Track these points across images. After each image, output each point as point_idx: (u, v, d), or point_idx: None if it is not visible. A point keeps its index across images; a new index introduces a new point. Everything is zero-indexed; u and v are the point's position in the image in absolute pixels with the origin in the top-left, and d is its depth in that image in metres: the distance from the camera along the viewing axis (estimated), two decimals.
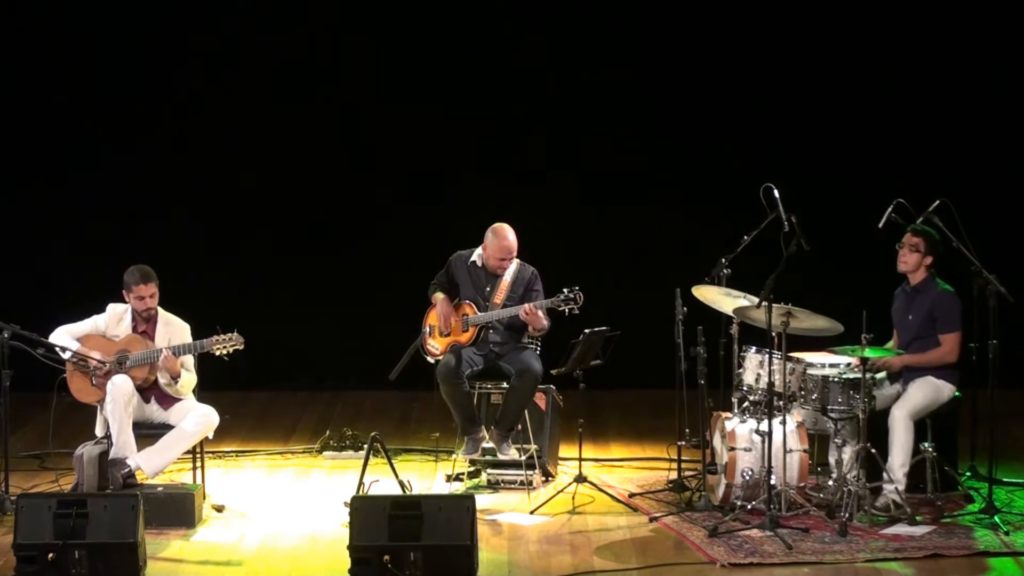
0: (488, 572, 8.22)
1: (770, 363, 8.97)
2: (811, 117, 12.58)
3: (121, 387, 9.12)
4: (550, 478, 10.00)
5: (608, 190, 12.75)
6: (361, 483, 9.23)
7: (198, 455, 9.42)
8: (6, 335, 9.10)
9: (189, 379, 9.41)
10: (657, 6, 12.66)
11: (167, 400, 9.37)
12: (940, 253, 9.31)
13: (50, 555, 7.84)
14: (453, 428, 9.87)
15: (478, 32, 12.67)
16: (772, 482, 8.89)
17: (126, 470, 9.07)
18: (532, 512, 9.29)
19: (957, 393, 9.41)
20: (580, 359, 9.45)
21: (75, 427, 10.02)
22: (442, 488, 9.84)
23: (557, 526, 9.09)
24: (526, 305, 9.59)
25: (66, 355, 9.30)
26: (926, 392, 9.25)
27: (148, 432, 9.27)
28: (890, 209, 9.23)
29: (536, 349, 9.88)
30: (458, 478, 9.92)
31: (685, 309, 9.47)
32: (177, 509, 9.00)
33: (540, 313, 9.58)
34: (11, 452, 9.50)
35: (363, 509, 7.95)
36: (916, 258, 9.35)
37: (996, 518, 8.96)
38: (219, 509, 9.33)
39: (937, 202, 9.21)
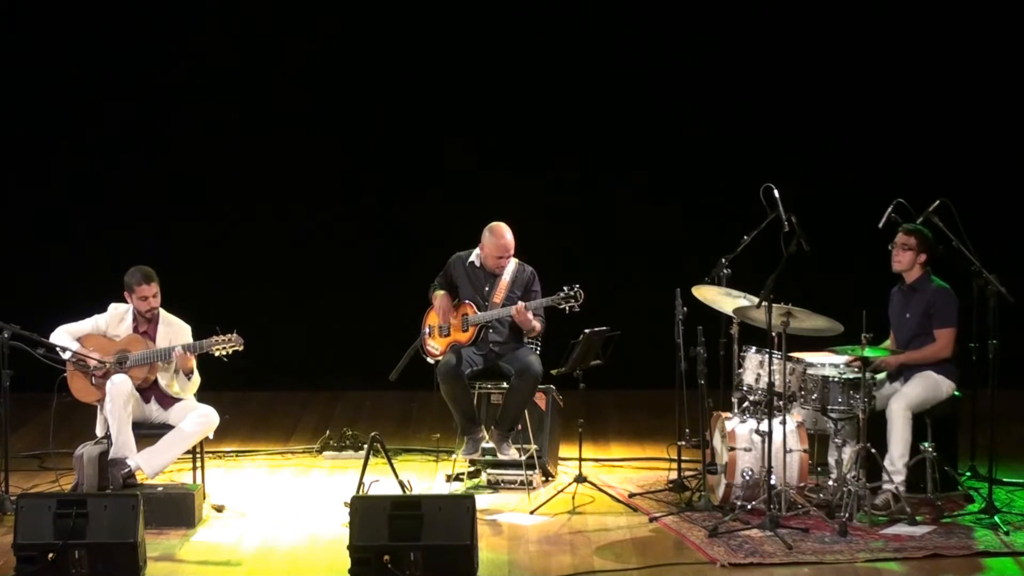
0: (488, 572, 8.22)
1: (770, 363, 8.97)
2: (811, 117, 12.58)
3: (120, 387, 9.13)
4: (550, 478, 10.00)
5: (609, 190, 12.75)
6: (361, 483, 9.23)
7: (198, 455, 9.42)
8: (6, 335, 9.10)
9: (194, 380, 9.42)
10: (659, 6, 12.67)
11: (167, 400, 9.38)
12: (934, 250, 9.32)
13: (50, 555, 7.84)
14: (453, 428, 9.87)
15: (479, 30, 12.67)
16: (772, 482, 8.89)
17: (126, 470, 9.08)
18: (532, 512, 9.29)
19: (957, 392, 9.42)
20: (580, 359, 9.45)
21: (75, 427, 10.02)
22: (442, 488, 9.85)
23: (557, 526, 9.09)
24: (519, 304, 9.59)
25: (66, 355, 9.30)
26: (926, 386, 9.27)
27: (148, 432, 9.28)
28: (890, 209, 9.24)
29: (536, 349, 9.89)
30: (458, 478, 9.93)
31: (685, 309, 9.47)
32: (177, 509, 9.00)
33: (530, 315, 9.58)
34: (11, 452, 9.50)
35: (363, 509, 7.95)
36: (910, 256, 9.36)
37: (996, 518, 8.96)
38: (219, 509, 9.33)
39: (937, 202, 9.21)
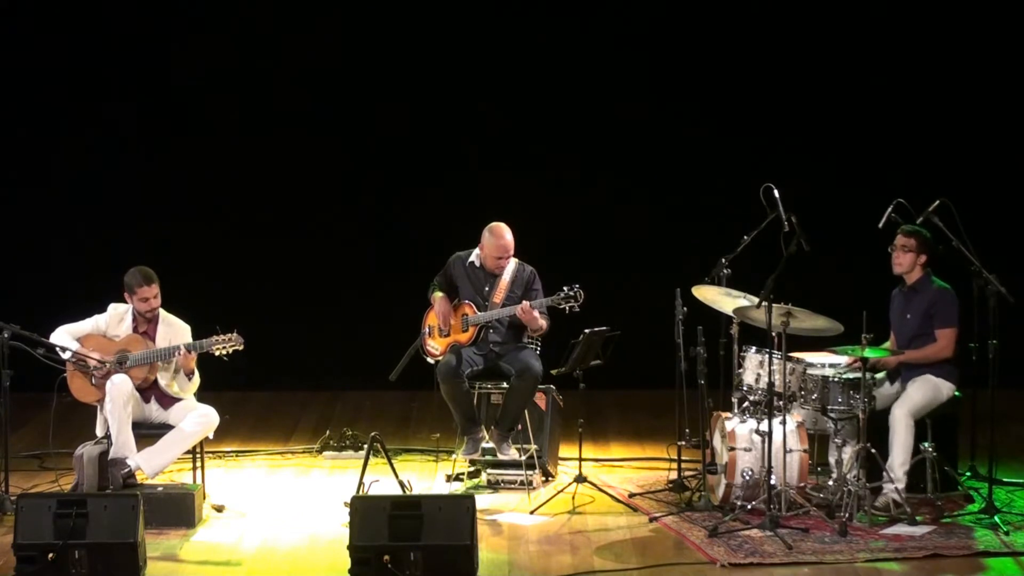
0: (488, 572, 8.22)
1: (770, 363, 8.97)
2: (811, 117, 12.59)
3: (120, 387, 9.13)
4: (550, 478, 10.00)
5: (609, 190, 12.76)
6: (361, 483, 9.23)
7: (198, 455, 9.42)
8: (6, 335, 9.10)
9: (194, 380, 9.42)
10: (660, 6, 12.66)
11: (167, 400, 9.38)
12: (934, 251, 9.32)
13: (50, 555, 7.84)
14: (453, 428, 9.87)
15: (479, 30, 12.67)
16: (772, 482, 8.89)
17: (126, 470, 9.08)
18: (532, 512, 9.29)
19: (957, 393, 9.42)
20: (580, 359, 9.45)
21: (75, 427, 10.02)
22: (442, 488, 9.85)
23: (557, 526, 9.09)
24: (523, 303, 9.60)
25: (66, 355, 9.30)
26: (926, 391, 9.26)
27: (148, 432, 9.28)
28: (890, 209, 9.24)
29: (536, 349, 9.89)
30: (458, 478, 9.93)
31: (685, 309, 9.47)
32: (177, 509, 9.00)
33: (536, 313, 9.58)
34: (11, 452, 9.50)
35: (363, 509, 7.95)
36: (910, 258, 9.36)
37: (996, 518, 8.96)
38: (219, 509, 9.33)
39: (937, 202, 9.21)
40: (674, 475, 9.80)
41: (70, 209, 12.73)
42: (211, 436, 9.40)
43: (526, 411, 9.72)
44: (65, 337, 9.35)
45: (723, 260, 9.63)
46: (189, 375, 9.36)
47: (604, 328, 9.45)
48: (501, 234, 9.74)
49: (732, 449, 9.14)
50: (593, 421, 10.94)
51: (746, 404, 9.31)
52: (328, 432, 10.96)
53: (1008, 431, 10.47)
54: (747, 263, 9.61)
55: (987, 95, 12.54)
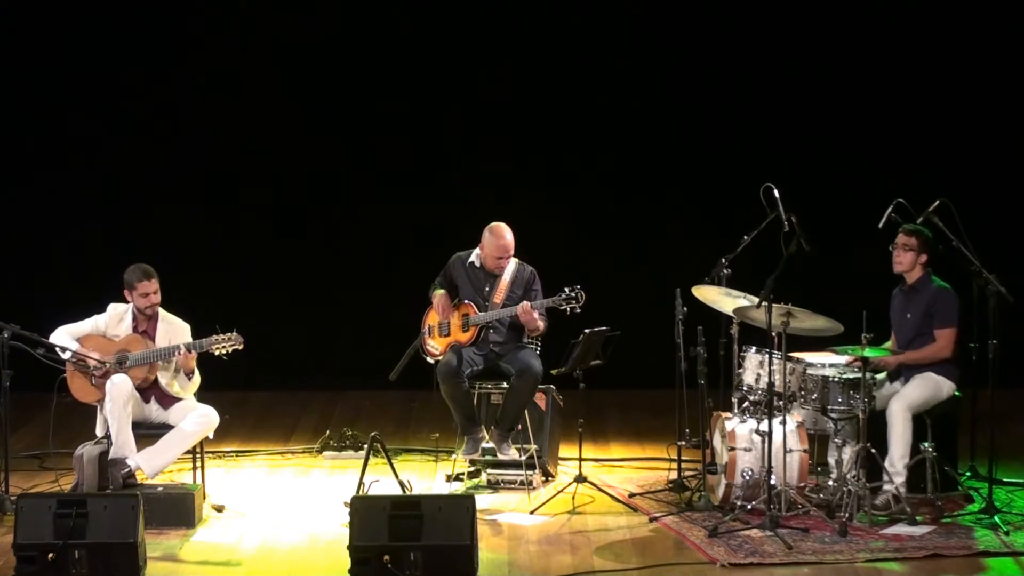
0: (488, 572, 8.22)
1: (770, 363, 8.97)
2: (811, 117, 12.58)
3: (120, 387, 9.12)
4: (550, 478, 10.00)
5: (609, 190, 12.76)
6: (361, 483, 9.24)
7: (198, 455, 9.42)
8: (6, 335, 9.10)
9: (194, 379, 9.42)
10: (661, 6, 12.66)
11: (167, 400, 9.38)
12: (935, 250, 9.32)
13: (50, 555, 7.84)
14: (453, 428, 9.87)
15: (479, 30, 12.67)
16: (772, 482, 8.89)
17: (126, 470, 9.08)
18: (532, 512, 9.29)
19: (957, 392, 9.42)
20: (580, 359, 9.45)
21: (75, 427, 10.01)
22: (442, 488, 9.85)
23: (557, 526, 9.09)
24: (524, 304, 9.60)
25: (66, 355, 9.30)
26: (926, 387, 9.27)
27: (148, 432, 9.28)
28: (890, 209, 9.24)
29: (536, 349, 9.89)
30: (458, 478, 9.93)
31: (685, 309, 9.47)
32: (177, 509, 9.00)
33: (536, 314, 9.58)
34: (11, 452, 9.50)
35: (363, 509, 7.95)
36: (911, 257, 9.37)
37: (996, 518, 8.96)
38: (219, 509, 9.33)
39: (937, 202, 9.21)
40: (674, 475, 9.80)
41: (70, 209, 12.73)
42: (211, 436, 9.39)
43: (526, 411, 9.72)
44: (65, 337, 9.35)
45: (723, 260, 9.63)
46: (189, 375, 9.36)
47: (604, 328, 9.45)
48: (501, 234, 9.74)
49: (732, 449, 9.14)
50: (593, 421, 10.94)
51: (746, 404, 9.31)
52: (328, 432, 10.96)
53: (1008, 431, 10.47)
54: (747, 263, 9.61)
55: (987, 95, 12.54)
